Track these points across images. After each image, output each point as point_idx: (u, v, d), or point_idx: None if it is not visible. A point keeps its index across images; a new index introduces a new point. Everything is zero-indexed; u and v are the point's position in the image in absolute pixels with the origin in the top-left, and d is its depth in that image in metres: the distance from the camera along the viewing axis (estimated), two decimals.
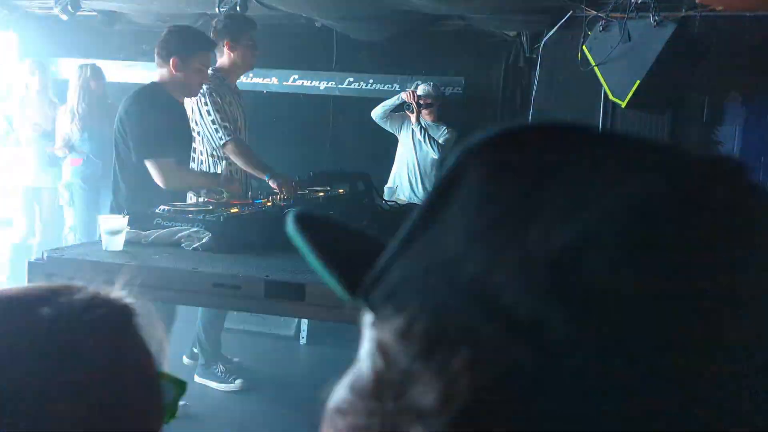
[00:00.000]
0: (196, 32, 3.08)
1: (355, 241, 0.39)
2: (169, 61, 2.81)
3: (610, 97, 4.11)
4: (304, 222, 0.37)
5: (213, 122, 3.07)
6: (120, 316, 0.54)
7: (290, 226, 0.37)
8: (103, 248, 2.21)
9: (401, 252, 0.32)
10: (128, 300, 0.56)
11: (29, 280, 2.09)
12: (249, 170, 3.18)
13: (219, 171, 3.08)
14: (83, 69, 4.67)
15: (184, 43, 2.85)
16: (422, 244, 0.32)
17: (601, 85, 4.15)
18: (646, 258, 0.27)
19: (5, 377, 0.48)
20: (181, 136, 2.92)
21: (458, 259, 0.29)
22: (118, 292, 0.56)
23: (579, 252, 0.27)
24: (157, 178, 2.72)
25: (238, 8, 4.03)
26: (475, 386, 0.27)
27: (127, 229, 2.28)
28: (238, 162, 3.14)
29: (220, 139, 3.07)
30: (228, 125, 3.09)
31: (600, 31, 4.04)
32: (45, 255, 2.13)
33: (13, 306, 0.52)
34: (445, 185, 0.32)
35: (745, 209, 0.29)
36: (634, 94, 3.87)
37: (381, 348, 0.31)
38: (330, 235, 0.38)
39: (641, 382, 0.26)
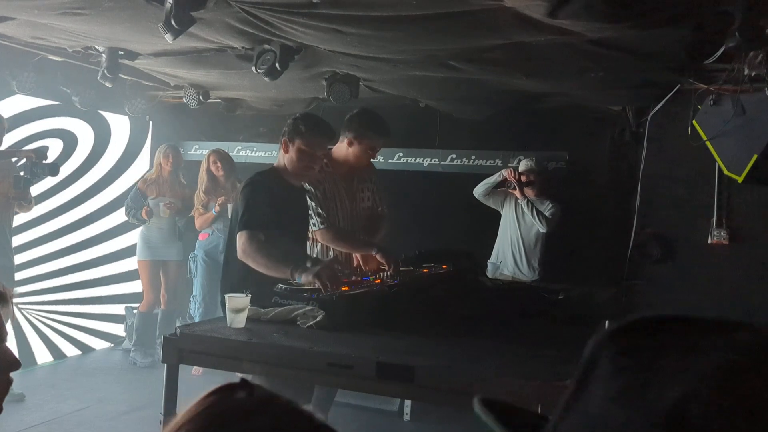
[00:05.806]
0: (310, 118, 3.05)
1: (525, 414, 0.56)
2: (281, 143, 2.98)
3: (725, 172, 3.96)
4: (487, 404, 0.55)
5: (313, 209, 3.17)
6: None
7: (478, 409, 0.54)
8: (228, 325, 2.38)
9: (564, 416, 0.48)
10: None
11: (163, 353, 2.29)
12: (354, 251, 3.26)
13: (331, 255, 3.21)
14: (209, 153, 5.12)
15: (294, 128, 2.94)
16: (576, 410, 0.47)
17: (714, 160, 4.01)
18: (739, 408, 0.40)
19: None
20: (286, 216, 2.90)
21: (603, 416, 0.44)
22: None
23: (687, 405, 0.41)
24: (238, 250, 2.75)
25: (349, 93, 4.29)
26: None
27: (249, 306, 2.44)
28: (338, 247, 3.23)
29: (314, 225, 3.17)
30: (323, 213, 3.15)
31: (711, 105, 3.95)
32: (178, 331, 2.32)
33: None
34: (587, 367, 0.47)
35: None
36: (751, 169, 3.73)
37: None
38: (506, 411, 0.54)
39: None
